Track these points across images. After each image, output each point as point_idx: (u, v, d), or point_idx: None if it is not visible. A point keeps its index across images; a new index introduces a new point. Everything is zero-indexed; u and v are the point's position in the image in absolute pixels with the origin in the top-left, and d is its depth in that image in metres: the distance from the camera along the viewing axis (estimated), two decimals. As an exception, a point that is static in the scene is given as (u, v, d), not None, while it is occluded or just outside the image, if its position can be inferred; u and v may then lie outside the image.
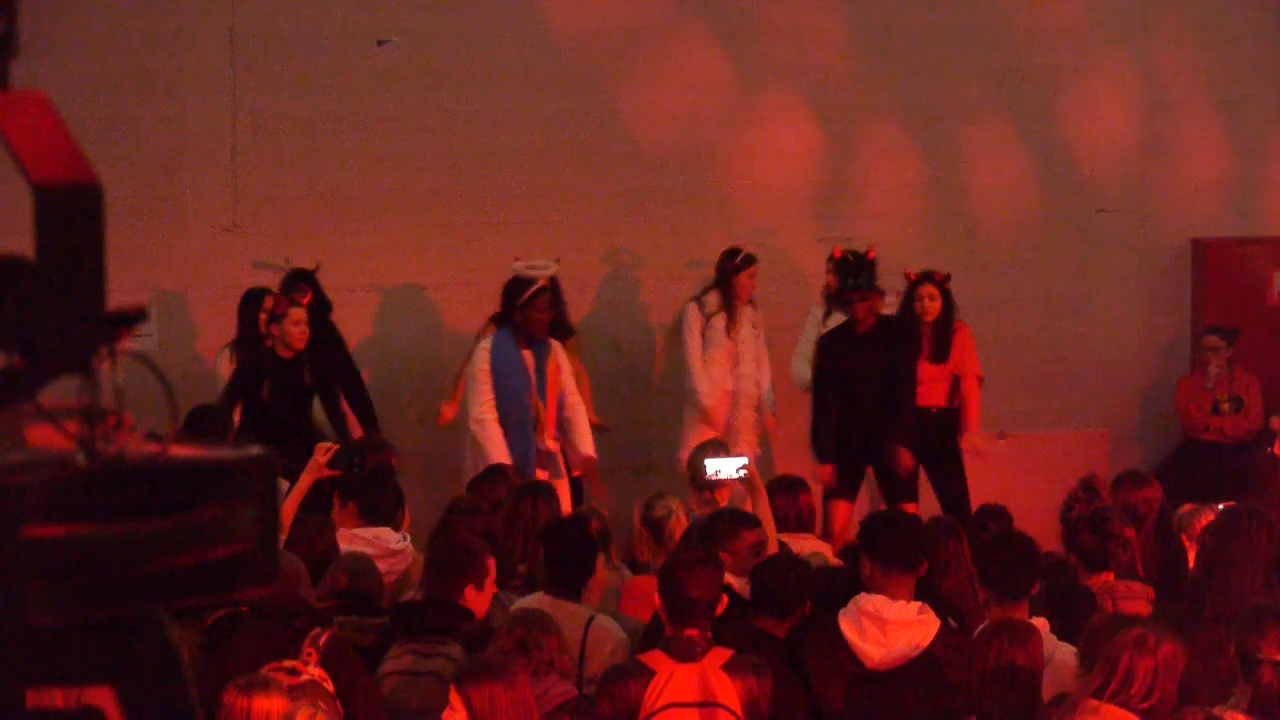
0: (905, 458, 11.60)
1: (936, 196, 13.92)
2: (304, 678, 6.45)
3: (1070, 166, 14.21)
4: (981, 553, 8.02)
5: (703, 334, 12.72)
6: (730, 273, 12.65)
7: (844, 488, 11.87)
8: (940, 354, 12.20)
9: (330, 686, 6.57)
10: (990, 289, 13.97)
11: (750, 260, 12.69)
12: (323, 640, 6.81)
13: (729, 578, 7.84)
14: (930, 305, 12.19)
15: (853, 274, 11.56)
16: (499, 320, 11.83)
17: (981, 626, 7.46)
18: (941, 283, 12.23)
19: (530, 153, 13.57)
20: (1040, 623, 7.47)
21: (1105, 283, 14.30)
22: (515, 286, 11.78)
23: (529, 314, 11.65)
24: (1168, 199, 14.29)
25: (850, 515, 11.52)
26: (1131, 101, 14.30)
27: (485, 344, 11.79)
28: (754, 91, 13.80)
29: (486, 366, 11.67)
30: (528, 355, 11.74)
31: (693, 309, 12.77)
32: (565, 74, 13.63)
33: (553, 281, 12.35)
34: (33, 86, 2.95)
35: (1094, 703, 6.44)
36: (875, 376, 11.51)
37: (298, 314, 11.58)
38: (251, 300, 12.12)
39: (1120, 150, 14.29)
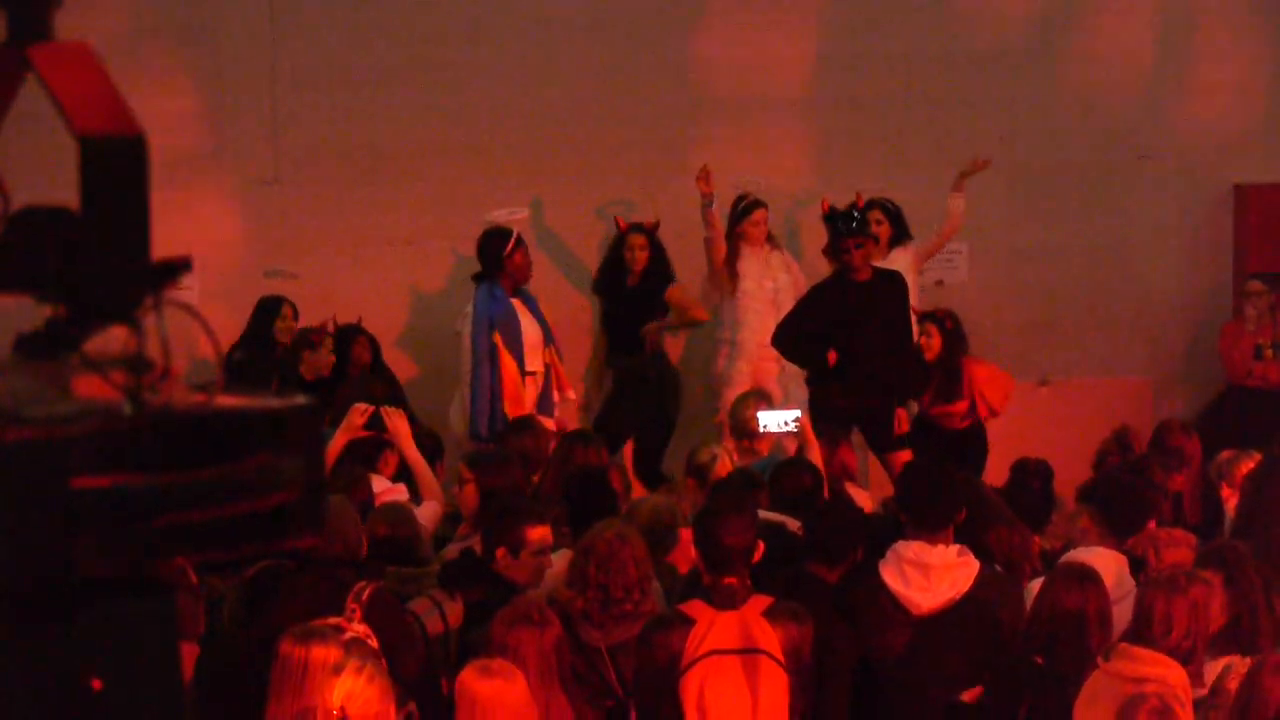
0: (902, 421, 11.26)
1: (976, 145, 13.85)
2: (347, 635, 6.41)
3: (1111, 112, 14.13)
4: (1107, 486, 8.02)
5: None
6: (735, 221, 12.53)
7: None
8: (947, 394, 11.66)
9: (374, 643, 6.53)
10: (1031, 237, 13.92)
11: (753, 206, 12.53)
12: (366, 595, 6.75)
13: (783, 518, 7.86)
14: (928, 344, 11.65)
15: (844, 222, 11.11)
16: (480, 277, 11.69)
17: (1064, 557, 7.43)
18: (941, 320, 11.75)
19: (572, 105, 13.54)
20: (1119, 559, 7.49)
21: (1146, 229, 14.23)
22: (495, 238, 11.70)
23: (515, 261, 11.61)
24: (1209, 144, 14.21)
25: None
26: (1173, 46, 14.21)
27: (471, 304, 11.70)
28: (789, 40, 13.75)
29: (471, 324, 11.57)
30: (518, 305, 11.70)
31: None
32: (608, 25, 13.59)
33: (652, 239, 12.36)
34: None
35: (1132, 648, 6.43)
36: (879, 330, 10.90)
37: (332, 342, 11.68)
38: (268, 307, 12.08)
39: (1161, 95, 14.21)
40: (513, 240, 11.65)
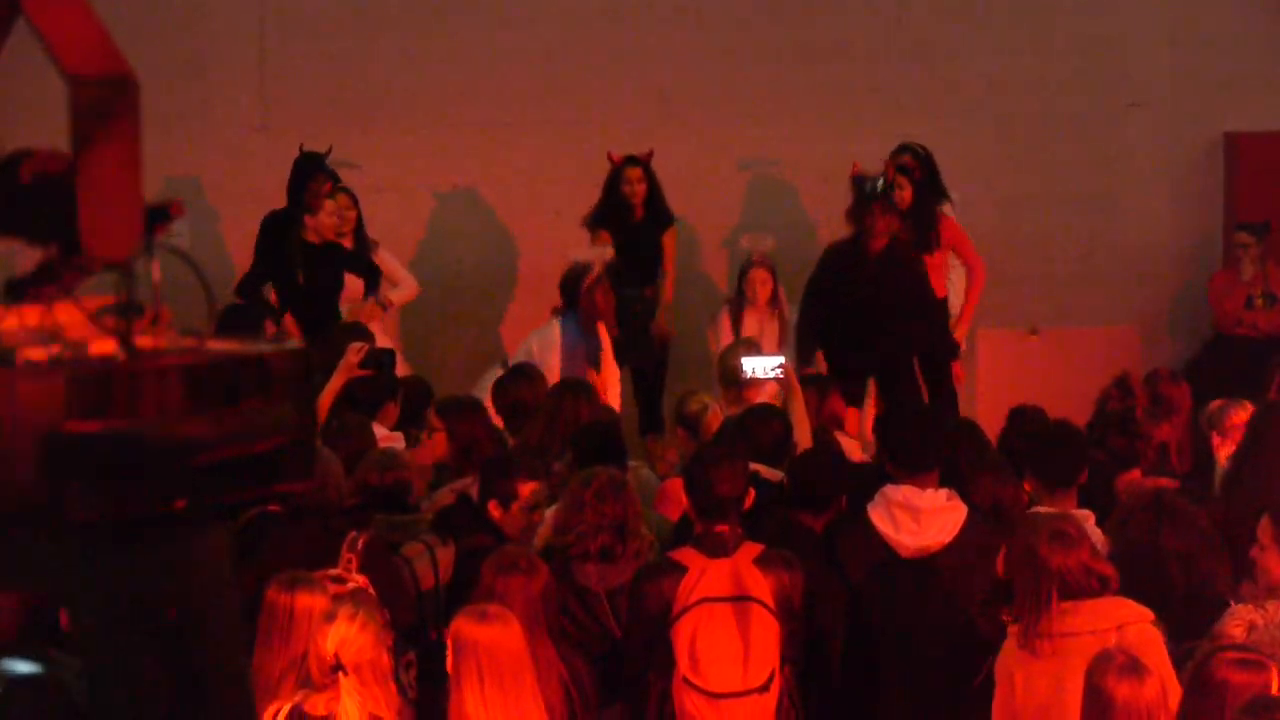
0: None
1: (967, 92, 13.82)
2: (349, 585, 6.44)
3: (1102, 60, 14.10)
4: (1030, 442, 8.02)
5: None
6: (740, 278, 12.32)
7: (850, 396, 11.47)
8: (921, 244, 11.65)
9: (374, 592, 6.55)
10: (1021, 185, 13.90)
11: (751, 265, 12.26)
12: (360, 544, 6.77)
13: (759, 467, 7.86)
14: (899, 196, 11.60)
15: (871, 191, 11.07)
16: (563, 311, 11.23)
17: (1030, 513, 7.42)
18: (910, 171, 11.76)
19: (560, 53, 13.51)
20: (1086, 514, 7.46)
21: (1137, 177, 14.21)
22: (575, 274, 11.31)
23: (594, 299, 11.29)
24: (1200, 92, 14.17)
25: (859, 419, 11.23)
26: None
27: (554, 331, 11.14)
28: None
29: (558, 355, 11.02)
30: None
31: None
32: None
33: (647, 170, 12.19)
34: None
35: (1084, 602, 6.34)
36: (890, 294, 10.99)
37: (333, 205, 11.56)
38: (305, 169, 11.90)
39: (1152, 43, 14.17)
40: (591, 278, 11.31)
